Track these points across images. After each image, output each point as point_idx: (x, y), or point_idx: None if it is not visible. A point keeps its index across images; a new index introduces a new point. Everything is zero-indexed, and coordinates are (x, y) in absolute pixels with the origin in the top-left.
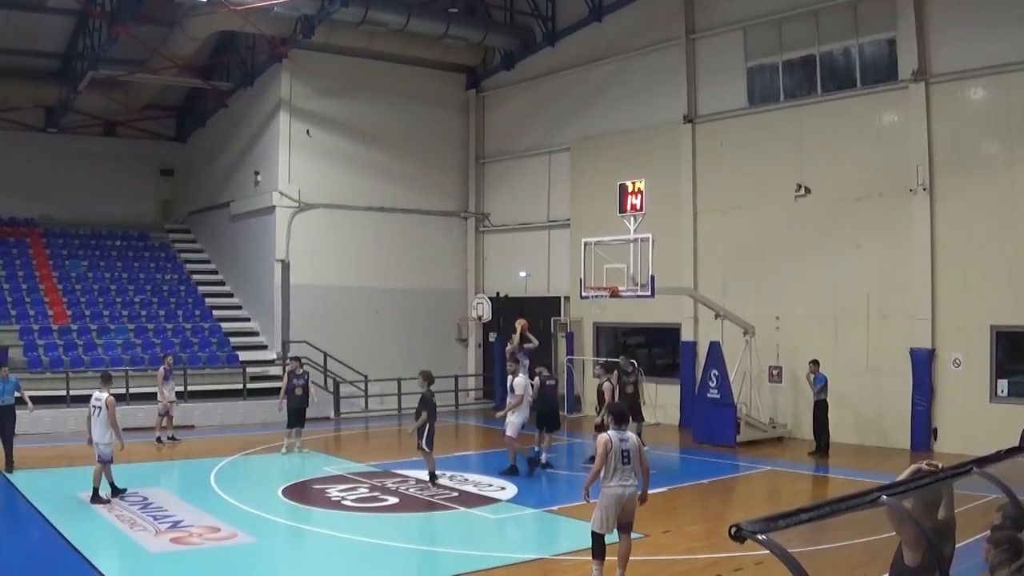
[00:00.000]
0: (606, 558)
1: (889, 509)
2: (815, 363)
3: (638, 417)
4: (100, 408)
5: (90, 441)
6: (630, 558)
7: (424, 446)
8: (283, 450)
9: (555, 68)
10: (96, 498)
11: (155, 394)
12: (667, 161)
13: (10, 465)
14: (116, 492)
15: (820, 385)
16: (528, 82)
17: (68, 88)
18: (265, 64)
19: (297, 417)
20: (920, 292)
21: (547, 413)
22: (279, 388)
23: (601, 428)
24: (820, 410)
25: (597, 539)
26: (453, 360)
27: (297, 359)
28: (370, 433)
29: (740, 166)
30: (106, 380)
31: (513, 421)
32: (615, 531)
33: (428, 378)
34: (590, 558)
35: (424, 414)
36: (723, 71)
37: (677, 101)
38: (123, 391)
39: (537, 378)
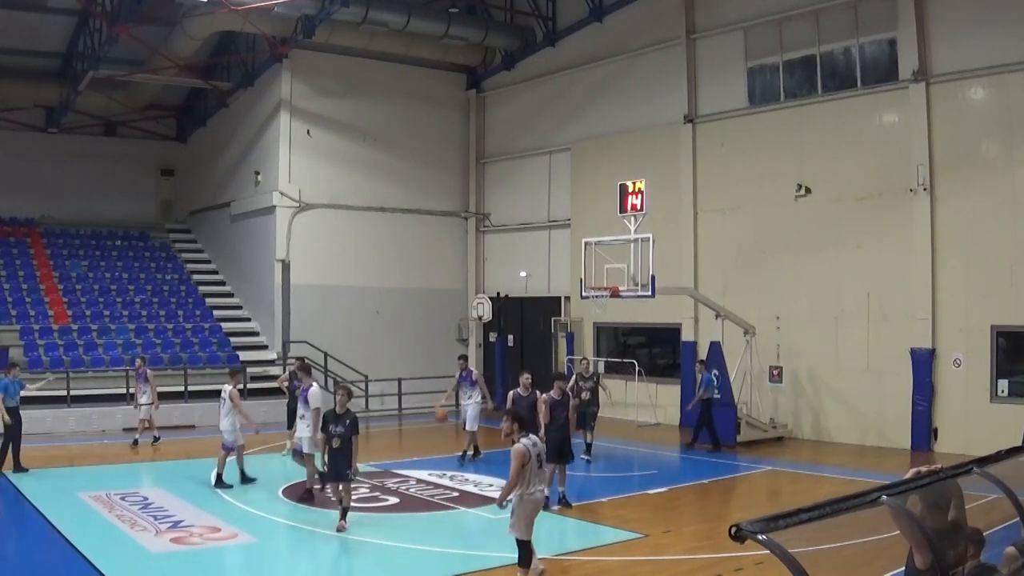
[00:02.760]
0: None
1: (893, 511)
2: (702, 363)
3: (586, 424)
4: (225, 400)
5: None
6: (634, 557)
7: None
8: (284, 451)
9: (555, 68)
10: (219, 482)
11: (157, 394)
12: (667, 161)
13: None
14: (245, 479)
15: (705, 384)
16: (528, 82)
17: (68, 88)
18: (265, 64)
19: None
20: (920, 292)
21: (558, 441)
22: (276, 387)
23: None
24: (704, 408)
25: (523, 546)
26: (453, 360)
27: (302, 359)
28: (370, 433)
29: (740, 166)
30: (233, 374)
31: (308, 437)
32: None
33: (351, 393)
34: (517, 565)
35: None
36: (723, 71)
37: (677, 101)
38: (123, 391)
39: (546, 393)
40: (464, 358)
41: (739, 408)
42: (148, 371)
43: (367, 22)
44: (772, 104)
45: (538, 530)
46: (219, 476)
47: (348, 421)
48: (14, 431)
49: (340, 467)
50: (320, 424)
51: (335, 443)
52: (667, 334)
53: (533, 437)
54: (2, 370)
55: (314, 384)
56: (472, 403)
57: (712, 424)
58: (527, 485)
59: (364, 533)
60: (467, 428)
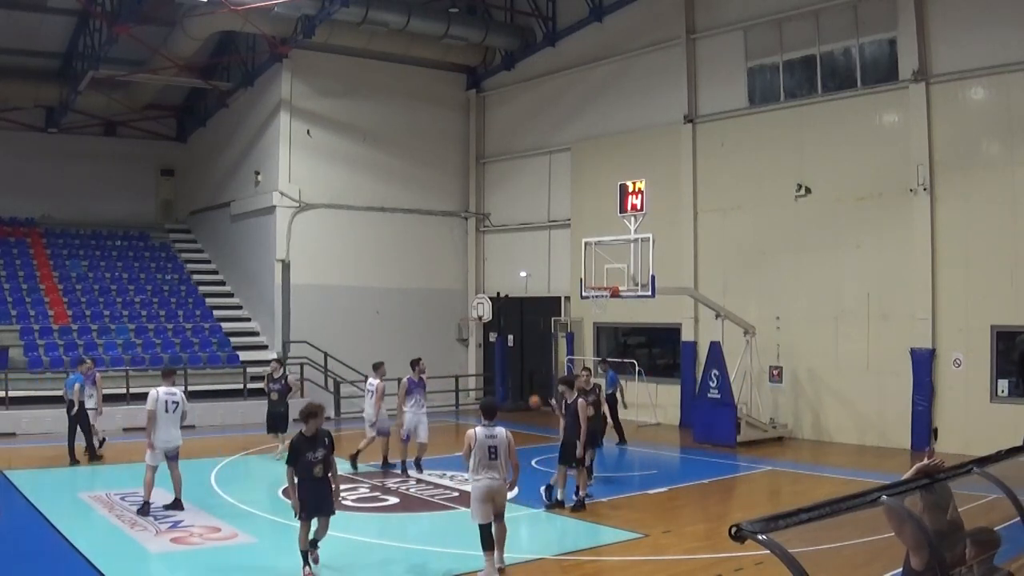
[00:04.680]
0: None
1: (889, 512)
2: (606, 362)
3: (596, 442)
4: (372, 392)
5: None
6: (634, 557)
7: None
8: (277, 454)
9: (555, 68)
10: (386, 463)
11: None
12: (667, 161)
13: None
14: (385, 463)
15: (610, 382)
16: (528, 82)
17: (68, 88)
18: (265, 64)
19: (275, 421)
20: (920, 292)
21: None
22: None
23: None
24: (609, 405)
25: (483, 530)
26: (453, 360)
27: (279, 361)
28: None
29: (740, 166)
30: (377, 368)
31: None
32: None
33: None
34: (481, 551)
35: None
36: (724, 71)
37: (677, 101)
38: (123, 391)
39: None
40: (419, 361)
41: (739, 408)
42: (96, 374)
43: (367, 22)
44: (772, 104)
45: (539, 530)
46: (384, 458)
47: (327, 440)
48: (81, 423)
49: (322, 499)
50: (287, 457)
51: (317, 471)
52: (667, 334)
53: (494, 429)
54: (75, 366)
55: (154, 389)
56: (424, 412)
57: (617, 420)
58: (476, 471)
59: (364, 533)
60: (421, 440)
